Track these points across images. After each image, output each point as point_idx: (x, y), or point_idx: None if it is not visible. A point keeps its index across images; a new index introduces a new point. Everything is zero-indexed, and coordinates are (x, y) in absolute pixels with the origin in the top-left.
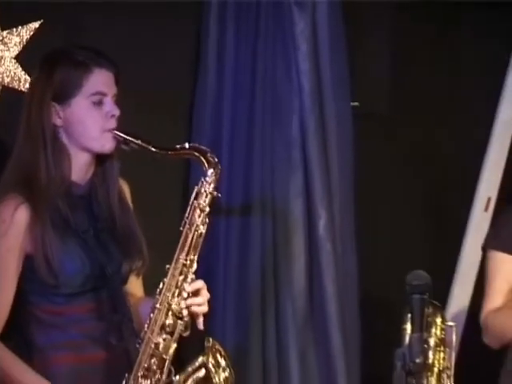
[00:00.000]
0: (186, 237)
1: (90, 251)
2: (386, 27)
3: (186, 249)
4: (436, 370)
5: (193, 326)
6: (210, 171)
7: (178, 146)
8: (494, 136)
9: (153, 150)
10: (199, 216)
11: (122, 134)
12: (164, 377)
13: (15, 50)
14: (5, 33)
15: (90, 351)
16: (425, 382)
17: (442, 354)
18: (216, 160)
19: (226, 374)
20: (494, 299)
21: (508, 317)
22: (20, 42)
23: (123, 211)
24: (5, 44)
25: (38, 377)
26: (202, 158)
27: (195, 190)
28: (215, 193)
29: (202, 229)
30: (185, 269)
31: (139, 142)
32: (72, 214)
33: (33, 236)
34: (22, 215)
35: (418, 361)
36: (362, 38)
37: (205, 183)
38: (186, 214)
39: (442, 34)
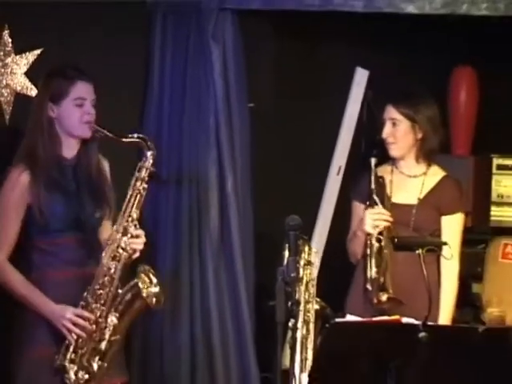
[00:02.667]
0: (130, 197)
1: (71, 202)
2: (270, 52)
3: (130, 205)
4: (304, 281)
5: None
6: (149, 152)
7: (129, 135)
8: (342, 128)
9: (114, 137)
10: (140, 184)
11: (94, 126)
12: (113, 289)
13: (24, 68)
14: (17, 57)
15: (72, 269)
16: (297, 289)
17: (308, 271)
18: (153, 145)
19: (157, 289)
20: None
21: (354, 243)
22: (27, 63)
23: (99, 176)
24: (17, 64)
25: (42, 295)
26: (144, 144)
27: (138, 165)
28: (152, 168)
29: (142, 192)
30: (130, 219)
31: (105, 131)
32: (61, 177)
33: (31, 192)
34: (24, 179)
35: (292, 275)
36: (255, 62)
37: (145, 161)
38: (132, 182)
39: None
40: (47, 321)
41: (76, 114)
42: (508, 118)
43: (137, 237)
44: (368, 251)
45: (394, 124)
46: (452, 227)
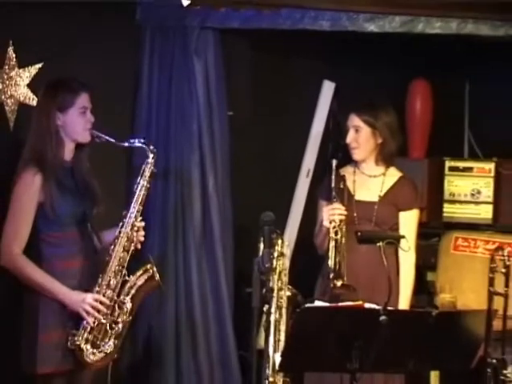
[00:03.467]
0: (139, 195)
1: (76, 200)
2: (247, 65)
3: (138, 202)
4: (278, 271)
5: None
6: (151, 155)
7: (131, 140)
8: (311, 134)
9: (115, 142)
10: (146, 183)
11: (96, 132)
12: (122, 276)
13: (27, 81)
14: (21, 70)
15: (77, 259)
16: (271, 278)
17: (281, 261)
18: (155, 150)
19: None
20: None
21: (319, 236)
22: (30, 76)
23: (90, 176)
24: (20, 77)
25: (59, 283)
26: (147, 148)
27: (143, 167)
28: (154, 169)
29: (146, 190)
30: (138, 214)
31: (107, 137)
32: (65, 178)
33: (43, 191)
34: (37, 180)
35: (267, 265)
36: (233, 74)
37: (148, 163)
38: (138, 181)
39: (282, 62)
40: (56, 306)
41: (81, 121)
42: (458, 125)
43: (140, 230)
44: (328, 243)
45: (356, 131)
46: (408, 222)
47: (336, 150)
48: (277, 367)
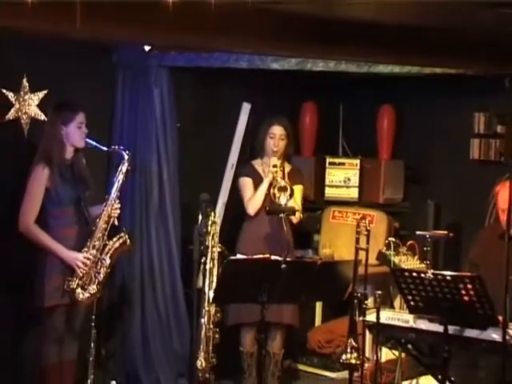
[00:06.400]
0: (117, 185)
1: (72, 186)
2: (189, 92)
3: (117, 189)
4: (211, 234)
5: None
6: (126, 157)
7: (113, 146)
8: (234, 140)
9: (101, 147)
10: (122, 177)
11: (89, 140)
12: (103, 241)
13: (36, 102)
14: (32, 95)
15: (73, 229)
16: (207, 238)
17: (214, 227)
18: (130, 154)
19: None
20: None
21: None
22: (38, 99)
23: (84, 170)
24: (32, 99)
25: (60, 245)
26: (124, 153)
27: (120, 166)
28: (128, 167)
29: (122, 182)
30: (116, 198)
31: (95, 143)
32: (65, 171)
33: (49, 181)
34: (46, 172)
35: (204, 230)
36: (180, 98)
37: (125, 163)
38: (117, 175)
39: (214, 89)
40: (59, 262)
41: (78, 132)
42: (335, 133)
43: (117, 209)
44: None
45: (282, 139)
46: (297, 192)
47: (252, 151)
48: (211, 300)
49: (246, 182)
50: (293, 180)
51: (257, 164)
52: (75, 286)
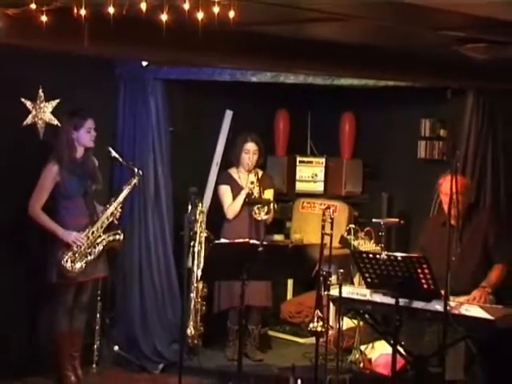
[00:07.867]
0: (123, 194)
1: (81, 181)
2: (181, 100)
3: (123, 197)
4: (199, 221)
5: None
6: (137, 173)
7: (130, 163)
8: (218, 142)
9: (120, 160)
10: (130, 188)
11: (112, 150)
12: (101, 232)
13: (50, 109)
14: (47, 103)
15: (83, 218)
16: (195, 225)
17: (201, 216)
18: (141, 172)
19: (121, 237)
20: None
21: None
22: (52, 106)
23: (94, 168)
24: (47, 107)
25: (60, 227)
26: (136, 170)
27: (131, 179)
28: (136, 182)
29: (128, 192)
30: (120, 203)
31: (117, 156)
32: (75, 168)
33: (59, 175)
34: (55, 169)
35: (192, 218)
36: (173, 106)
37: (135, 177)
38: (125, 186)
39: (202, 99)
40: (60, 239)
41: (88, 136)
42: (304, 136)
43: (119, 211)
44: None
45: (255, 153)
46: (268, 196)
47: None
48: (199, 278)
49: (225, 190)
50: (264, 185)
51: (233, 172)
52: (66, 259)
